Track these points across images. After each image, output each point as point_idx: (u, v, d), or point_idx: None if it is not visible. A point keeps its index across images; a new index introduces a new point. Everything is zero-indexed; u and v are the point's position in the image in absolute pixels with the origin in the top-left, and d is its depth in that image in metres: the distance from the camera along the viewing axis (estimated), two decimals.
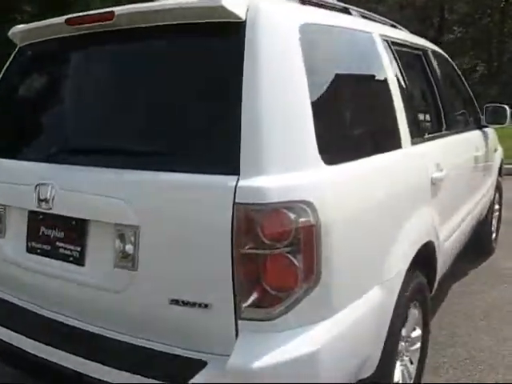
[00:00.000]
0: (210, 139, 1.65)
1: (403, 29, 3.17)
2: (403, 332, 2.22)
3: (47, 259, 1.96)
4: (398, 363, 2.27)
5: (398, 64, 2.48)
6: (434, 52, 3.27)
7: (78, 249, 1.87)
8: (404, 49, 2.74)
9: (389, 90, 2.26)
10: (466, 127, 3.63)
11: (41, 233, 1.98)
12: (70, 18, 1.99)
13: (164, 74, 1.80)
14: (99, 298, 1.83)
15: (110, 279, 1.79)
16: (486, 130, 4.00)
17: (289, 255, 1.56)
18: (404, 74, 2.52)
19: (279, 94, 1.65)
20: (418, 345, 2.48)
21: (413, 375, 2.44)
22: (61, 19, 2.02)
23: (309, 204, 1.57)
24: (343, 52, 2.07)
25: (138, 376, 1.62)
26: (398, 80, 2.38)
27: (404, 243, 2.05)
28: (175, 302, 1.65)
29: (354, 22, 2.27)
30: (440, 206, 2.56)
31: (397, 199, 2.05)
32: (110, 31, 1.91)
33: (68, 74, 2.16)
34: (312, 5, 2.13)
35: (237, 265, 1.55)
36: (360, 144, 1.96)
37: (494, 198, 4.49)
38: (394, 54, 2.48)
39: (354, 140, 1.94)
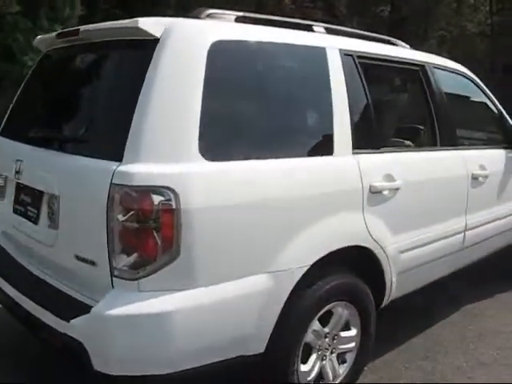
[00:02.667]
0: (109, 132, 2.10)
1: (402, 45, 3.25)
2: (316, 326, 2.42)
3: (22, 219, 2.51)
4: (314, 356, 2.48)
5: (357, 76, 2.65)
6: (440, 67, 3.30)
7: (36, 212, 2.39)
8: (381, 63, 2.88)
9: (327, 101, 2.46)
10: (479, 145, 3.58)
11: (20, 198, 2.54)
12: (59, 33, 2.54)
13: (95, 77, 2.28)
14: (44, 250, 2.34)
15: (46, 236, 2.30)
16: None
17: (151, 230, 1.91)
18: (366, 87, 2.67)
19: (170, 101, 2.00)
20: (353, 345, 2.64)
21: (341, 373, 2.62)
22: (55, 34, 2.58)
23: (172, 190, 1.90)
24: (264, 65, 2.33)
25: (44, 310, 2.10)
26: (349, 92, 2.54)
27: (305, 243, 2.25)
28: (77, 257, 2.10)
29: (296, 37, 2.49)
30: (391, 216, 2.67)
31: (298, 200, 2.25)
32: (79, 44, 2.44)
33: (53, 76, 2.71)
34: (254, 22, 2.42)
35: (110, 233, 1.94)
36: (257, 148, 2.19)
37: None
38: (356, 67, 2.64)
39: (249, 143, 2.17)
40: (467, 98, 3.76)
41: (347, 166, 2.50)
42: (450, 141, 3.22)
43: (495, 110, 3.89)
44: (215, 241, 2.02)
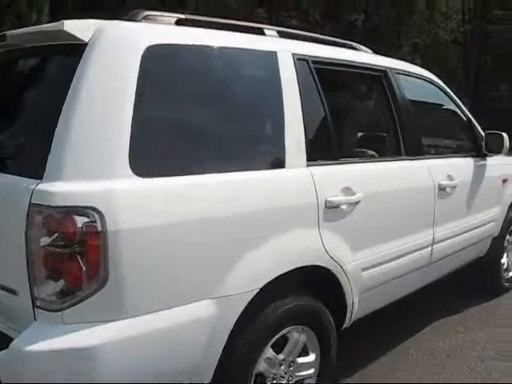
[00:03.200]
0: (30, 146, 1.89)
1: (364, 50, 3.11)
2: (269, 353, 2.23)
3: None
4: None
5: (313, 82, 2.48)
6: (404, 73, 3.16)
7: None
8: (340, 68, 2.73)
9: (278, 109, 2.29)
10: (446, 154, 3.44)
11: None
12: None
13: (21, 86, 2.08)
14: None
15: None
16: (486, 158, 3.74)
17: (75, 255, 1.70)
18: (322, 93, 2.51)
19: (97, 112, 1.80)
20: (312, 371, 2.46)
21: None
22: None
23: (97, 211, 1.70)
24: (207, 72, 2.14)
25: None
26: (303, 99, 2.38)
27: (253, 265, 2.06)
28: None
29: (243, 40, 2.31)
30: (350, 232, 2.50)
31: (245, 219, 2.06)
32: (8, 50, 2.23)
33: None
34: (198, 26, 2.24)
35: (30, 259, 1.72)
36: (198, 161, 2.00)
37: (507, 232, 4.17)
38: (311, 72, 2.48)
39: (188, 157, 1.98)
40: (434, 105, 3.62)
41: (300, 179, 2.32)
42: (415, 150, 3.07)
43: (464, 118, 3.76)
44: (149, 265, 1.81)
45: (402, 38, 14.97)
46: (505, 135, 3.63)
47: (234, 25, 2.42)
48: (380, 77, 2.98)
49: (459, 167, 3.46)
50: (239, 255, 2.04)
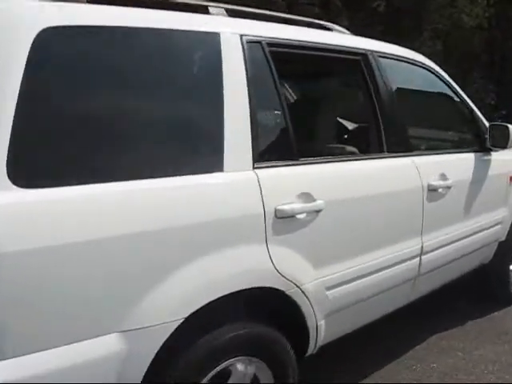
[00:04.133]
0: None
1: (339, 30, 2.70)
2: None
3: None
4: None
5: (268, 69, 2.11)
6: (389, 57, 2.74)
7: None
8: (306, 52, 2.34)
9: (216, 101, 1.91)
10: (441, 150, 3.01)
11: None
12: None
13: None
14: None
15: None
16: (491, 153, 3.30)
17: None
18: (280, 82, 2.13)
19: None
20: None
21: None
22: None
23: None
24: (125, 58, 1.76)
25: None
26: (253, 89, 2.00)
27: (177, 290, 1.70)
28: None
29: (176, 20, 1.92)
30: (310, 245, 2.13)
31: (166, 234, 1.69)
32: None
33: None
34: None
35: None
36: (104, 166, 1.63)
37: None
38: (266, 57, 2.10)
39: (90, 161, 1.62)
40: (427, 93, 3.20)
41: (241, 184, 1.94)
42: (401, 145, 2.66)
43: (464, 108, 3.32)
44: (32, 294, 1.47)
45: (423, 23, 14.32)
46: (510, 127, 3.18)
47: (169, 3, 2.05)
48: (358, 61, 2.57)
49: (456, 164, 3.03)
50: (157, 280, 1.68)
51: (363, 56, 2.59)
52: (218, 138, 1.90)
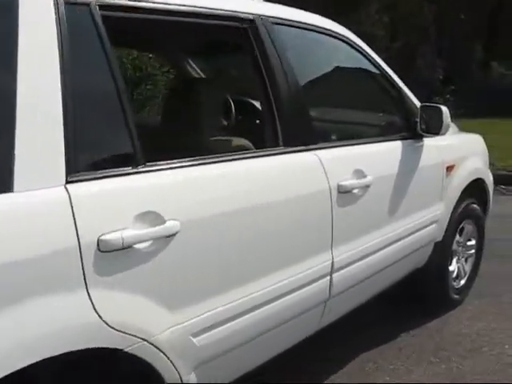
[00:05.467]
0: None
1: None
2: None
3: None
4: None
5: (98, 42, 1.49)
6: (288, 24, 2.15)
7: None
8: (160, 17, 1.71)
9: (4, 89, 1.29)
10: (357, 139, 2.45)
11: None
12: None
13: None
14: None
15: None
16: (423, 140, 2.78)
17: None
18: (117, 61, 1.52)
19: None
20: None
21: None
22: None
23: None
24: None
25: None
26: (70, 69, 1.39)
27: None
28: None
29: None
30: (161, 282, 1.53)
31: None
32: None
33: None
34: None
35: None
36: None
37: (458, 232, 3.25)
38: (95, 25, 1.48)
39: None
40: (340, 69, 2.61)
41: (46, 208, 1.31)
42: (301, 136, 2.07)
43: (389, 86, 2.76)
44: None
45: None
46: (444, 109, 2.65)
47: None
48: (242, 30, 1.97)
49: (378, 156, 2.48)
50: None
51: (250, 23, 1.98)
52: (3, 141, 1.28)
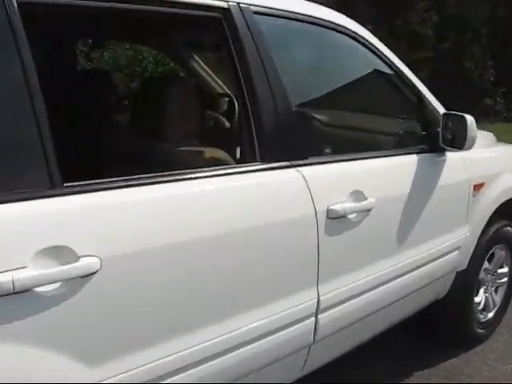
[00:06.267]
0: None
1: None
2: None
3: None
4: None
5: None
6: (275, 14, 1.80)
7: None
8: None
9: None
10: (360, 152, 2.06)
11: None
12: None
13: None
14: None
15: None
16: (445, 153, 2.38)
17: None
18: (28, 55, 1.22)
19: None
20: None
21: None
22: None
23: None
24: None
25: None
26: None
27: None
28: None
29: None
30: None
31: None
32: None
33: None
34: None
35: None
36: None
37: (484, 260, 2.82)
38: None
39: None
40: (343, 69, 2.22)
41: None
42: (285, 150, 1.72)
43: (406, 90, 2.36)
44: None
45: None
46: (469, 119, 2.24)
47: None
48: (215, 21, 1.64)
49: (385, 173, 2.09)
50: None
51: (224, 12, 1.65)
52: None
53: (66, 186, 1.24)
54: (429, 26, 13.19)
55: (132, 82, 5.53)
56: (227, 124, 2.30)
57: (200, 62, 2.72)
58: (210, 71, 2.79)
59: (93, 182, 1.28)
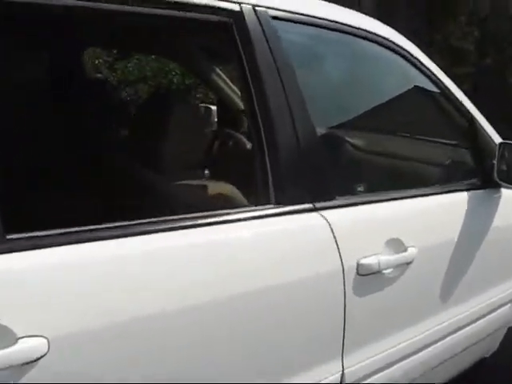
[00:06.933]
0: None
1: None
2: None
3: None
4: None
5: None
6: (299, 20, 1.47)
7: None
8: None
9: None
10: (394, 190, 1.69)
11: None
12: None
13: None
14: None
15: None
16: (501, 190, 2.01)
17: None
18: None
19: None
20: None
21: None
22: None
23: None
24: None
25: None
26: None
27: None
28: None
29: None
30: None
31: None
32: None
33: None
34: None
35: None
36: None
37: None
38: None
39: None
40: (381, 88, 1.87)
41: None
42: (303, 190, 1.39)
43: (456, 116, 2.00)
44: None
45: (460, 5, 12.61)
46: None
47: None
48: (225, 26, 1.33)
49: (428, 217, 1.73)
50: None
51: (234, 17, 1.33)
52: None
53: (9, 240, 0.94)
54: (470, 41, 12.69)
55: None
56: (249, 145, 2.00)
57: (220, 73, 2.45)
58: (232, 85, 2.51)
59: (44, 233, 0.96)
